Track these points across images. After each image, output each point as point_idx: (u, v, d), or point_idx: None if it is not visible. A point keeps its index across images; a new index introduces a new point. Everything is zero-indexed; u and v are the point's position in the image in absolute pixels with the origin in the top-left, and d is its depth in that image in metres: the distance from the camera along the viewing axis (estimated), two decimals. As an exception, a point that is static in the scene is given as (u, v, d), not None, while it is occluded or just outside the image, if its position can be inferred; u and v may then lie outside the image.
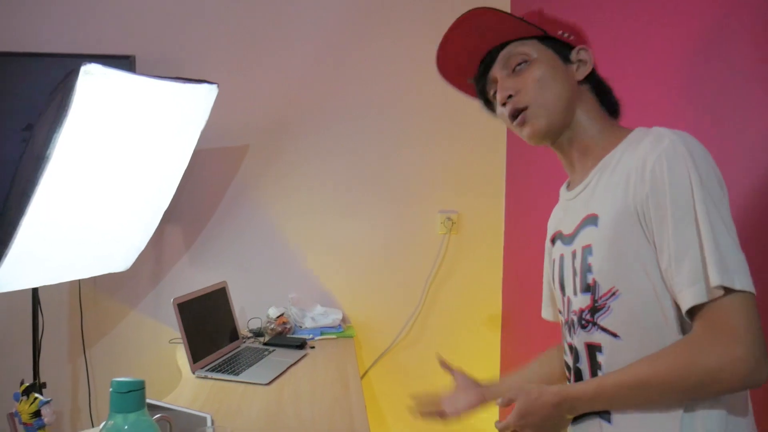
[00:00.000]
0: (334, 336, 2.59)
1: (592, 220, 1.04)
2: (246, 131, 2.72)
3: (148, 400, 1.05)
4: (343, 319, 2.73)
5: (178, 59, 2.62)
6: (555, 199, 1.25)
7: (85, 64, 1.66)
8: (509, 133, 2.80)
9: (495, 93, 1.17)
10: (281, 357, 2.27)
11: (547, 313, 1.36)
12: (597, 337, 1.03)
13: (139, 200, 2.21)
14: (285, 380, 2.06)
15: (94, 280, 2.60)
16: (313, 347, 2.44)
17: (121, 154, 1.99)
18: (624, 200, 0.98)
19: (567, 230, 1.14)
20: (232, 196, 2.73)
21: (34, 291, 2.30)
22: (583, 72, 1.12)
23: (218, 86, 2.19)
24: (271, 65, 2.71)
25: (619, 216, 0.98)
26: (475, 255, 2.85)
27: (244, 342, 2.48)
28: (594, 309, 1.02)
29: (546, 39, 1.13)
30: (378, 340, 2.83)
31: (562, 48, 1.12)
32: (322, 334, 2.59)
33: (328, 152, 2.76)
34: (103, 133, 1.87)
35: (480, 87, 1.20)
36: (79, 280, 2.56)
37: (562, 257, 1.14)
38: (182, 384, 2.06)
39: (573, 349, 1.10)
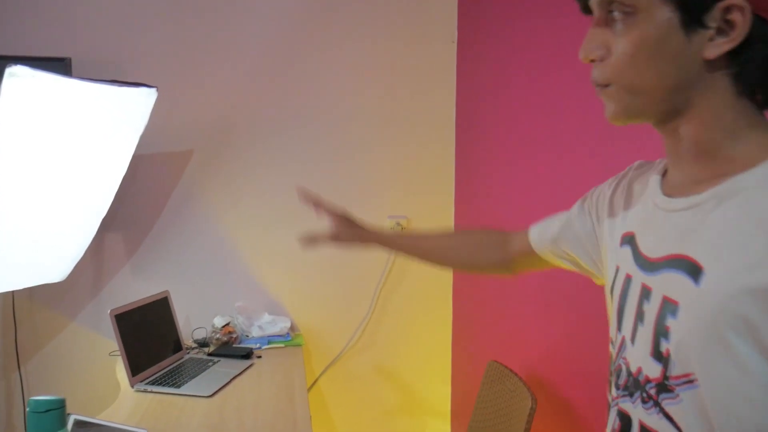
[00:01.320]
0: (281, 345, 2.54)
1: (689, 267, 0.73)
2: (190, 136, 2.64)
3: (79, 417, 0.99)
4: (292, 327, 2.68)
5: (117, 62, 2.54)
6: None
7: (10, 66, 1.59)
8: (458, 132, 2.80)
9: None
10: (226, 368, 2.21)
11: (535, 233, 1.15)
12: (655, 421, 0.77)
13: (74, 206, 2.12)
14: (228, 392, 2.00)
15: (30, 292, 2.49)
16: (259, 357, 2.38)
17: (54, 158, 1.91)
18: (756, 270, 0.65)
19: (646, 249, 0.83)
20: (175, 203, 2.65)
21: (-38, 304, 2.19)
22: (722, 46, 0.70)
23: (158, 90, 2.12)
24: (216, 69, 2.65)
25: (738, 289, 0.66)
26: (425, 260, 2.82)
27: (188, 353, 2.41)
28: (662, 387, 0.75)
29: None
30: (328, 348, 2.79)
31: (701, 3, 0.70)
32: (269, 343, 2.53)
33: (275, 158, 2.70)
34: (34, 136, 1.79)
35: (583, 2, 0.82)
36: (12, 292, 2.44)
37: (629, 280, 0.85)
38: (120, 398, 1.99)
39: (624, 417, 0.84)
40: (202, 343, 2.51)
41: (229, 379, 2.09)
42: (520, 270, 1.24)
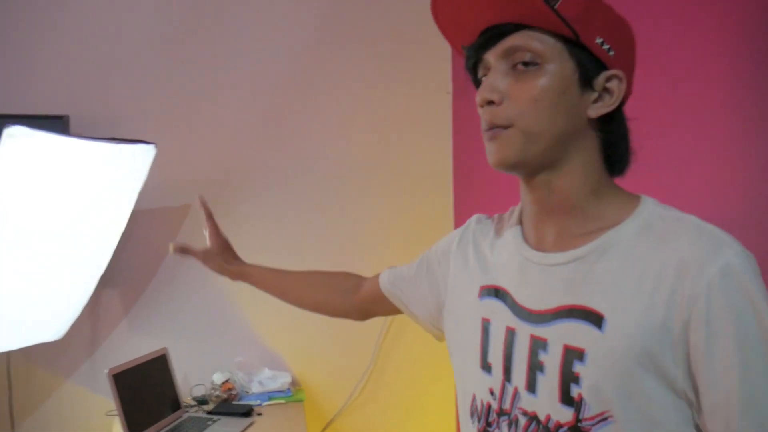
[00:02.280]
0: (282, 401, 2.48)
1: (588, 316, 0.79)
2: (186, 191, 2.63)
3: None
4: (293, 382, 2.62)
5: (114, 118, 2.54)
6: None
7: (8, 127, 1.59)
8: (456, 182, 2.80)
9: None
10: (226, 426, 2.16)
11: (385, 276, 1.23)
12: None
13: (73, 265, 2.10)
14: (228, 453, 1.95)
15: (26, 351, 2.43)
16: (260, 414, 2.33)
17: (53, 217, 1.89)
18: (649, 311, 0.75)
19: (528, 303, 0.87)
20: (172, 258, 2.61)
21: (-44, 366, 2.15)
22: (601, 108, 0.82)
23: (156, 146, 2.12)
24: (211, 123, 2.65)
25: (638, 330, 0.75)
26: (426, 310, 2.79)
27: (187, 411, 2.35)
28: (576, 429, 0.79)
29: (575, 44, 0.81)
30: (330, 403, 2.73)
31: (591, 62, 0.81)
32: (270, 399, 2.48)
33: (270, 210, 2.69)
34: (32, 196, 1.78)
35: (473, 61, 0.88)
36: (8, 352, 2.40)
37: (511, 332, 0.88)
38: (117, 462, 1.93)
39: None
40: (201, 401, 2.45)
41: (229, 439, 2.04)
42: (369, 314, 1.35)
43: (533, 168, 0.85)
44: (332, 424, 2.72)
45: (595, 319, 0.79)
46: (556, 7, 0.78)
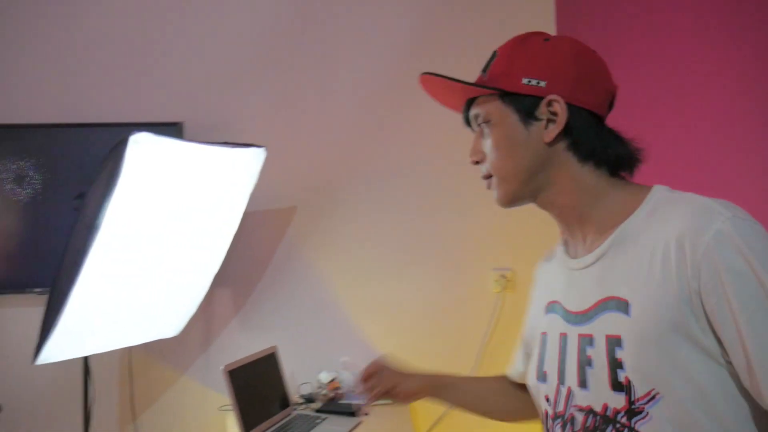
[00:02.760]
0: (388, 401, 2.48)
1: (617, 305, 0.88)
2: (293, 193, 2.70)
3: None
4: (397, 383, 2.62)
5: (225, 123, 2.63)
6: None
7: (133, 134, 1.66)
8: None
9: None
10: (334, 425, 2.19)
11: (514, 371, 1.24)
12: None
13: (190, 266, 2.19)
14: (339, 452, 1.97)
15: (146, 346, 2.56)
16: (366, 414, 2.34)
17: (172, 220, 1.98)
18: (664, 287, 0.82)
19: (573, 306, 0.97)
20: (280, 259, 2.69)
21: (85, 359, 2.28)
22: (552, 131, 0.94)
23: (266, 149, 2.18)
24: (316, 126, 2.70)
25: (659, 306, 0.82)
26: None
27: (296, 409, 2.40)
28: (631, 412, 0.85)
29: (508, 94, 0.96)
30: (434, 405, 2.71)
31: (525, 101, 0.95)
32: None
33: (377, 211, 2.71)
34: (153, 200, 1.86)
35: (466, 118, 1.08)
36: (129, 347, 2.53)
37: (563, 338, 0.97)
38: (233, 456, 1.99)
39: None
40: (309, 399, 2.50)
41: (338, 438, 2.06)
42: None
43: (529, 197, 1.01)
44: (438, 424, 2.71)
45: (623, 306, 0.87)
46: (486, 74, 1.00)
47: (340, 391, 2.49)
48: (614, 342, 0.87)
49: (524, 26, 1.15)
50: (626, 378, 0.85)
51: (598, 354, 0.89)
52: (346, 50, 2.72)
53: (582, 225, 0.98)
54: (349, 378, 2.58)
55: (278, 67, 2.69)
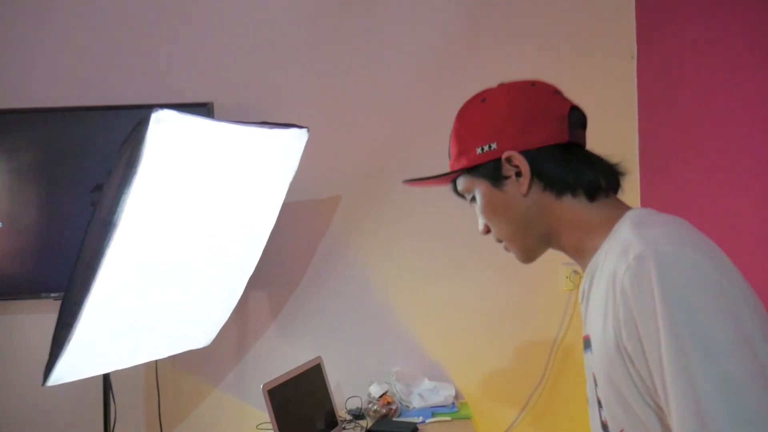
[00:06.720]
0: (448, 417, 2.19)
1: (587, 343, 0.93)
2: (336, 181, 2.42)
3: None
4: (456, 395, 2.33)
5: (258, 104, 2.38)
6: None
7: (155, 111, 1.38)
8: (641, 166, 2.39)
9: None
10: (391, 449, 1.89)
11: None
12: None
13: (222, 267, 1.91)
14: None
15: (173, 358, 2.30)
16: (424, 433, 2.05)
17: (201, 214, 1.70)
18: (604, 326, 0.84)
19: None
20: (323, 255, 2.42)
21: (105, 376, 2.02)
22: (523, 183, 0.97)
23: (308, 130, 1.89)
24: (362, 109, 2.43)
25: (604, 345, 0.84)
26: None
27: (344, 428, 2.11)
28: None
29: (471, 169, 1.03)
30: (497, 419, 2.41)
31: (487, 168, 1.00)
32: (433, 415, 2.19)
33: (432, 201, 2.40)
34: (179, 190, 1.58)
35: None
36: (155, 360, 2.26)
37: (593, 376, 0.96)
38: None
39: None
40: (358, 415, 2.21)
41: (398, 466, 1.77)
42: None
43: (544, 245, 1.03)
44: (503, 441, 2.40)
45: (589, 344, 0.92)
46: (450, 158, 1.10)
47: (393, 407, 2.19)
48: (593, 381, 0.92)
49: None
50: (606, 419, 0.89)
51: (591, 392, 0.95)
52: (398, 19, 2.45)
53: (583, 260, 0.99)
54: (403, 390, 2.28)
55: (320, 40, 2.44)
